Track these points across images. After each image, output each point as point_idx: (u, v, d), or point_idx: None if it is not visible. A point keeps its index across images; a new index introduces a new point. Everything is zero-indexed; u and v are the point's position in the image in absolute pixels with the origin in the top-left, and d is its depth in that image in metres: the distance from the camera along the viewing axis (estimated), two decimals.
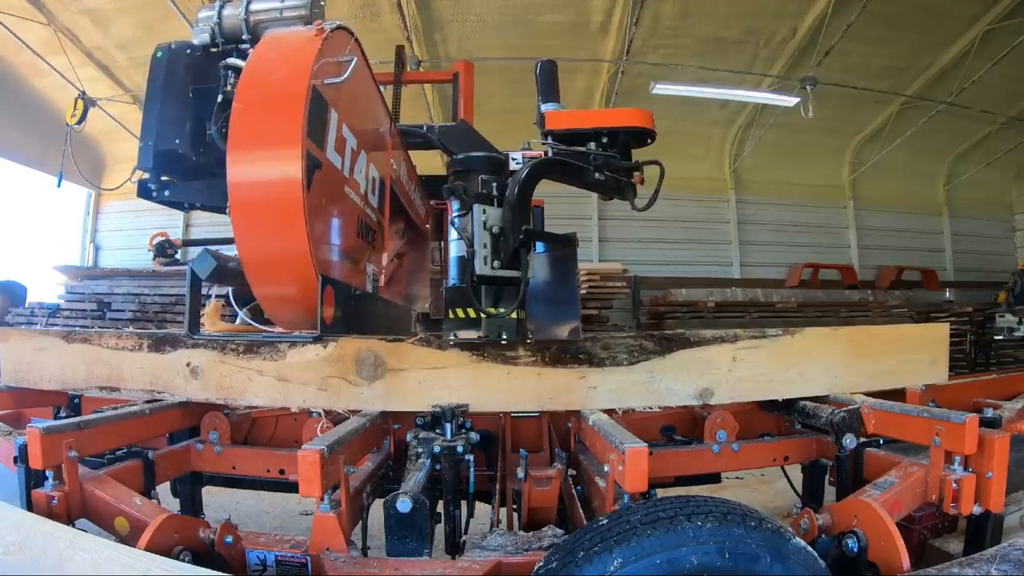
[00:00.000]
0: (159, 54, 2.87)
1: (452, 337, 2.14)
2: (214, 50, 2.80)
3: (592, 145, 2.54)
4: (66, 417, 2.47)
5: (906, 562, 1.62)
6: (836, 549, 1.76)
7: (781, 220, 13.97)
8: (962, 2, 9.82)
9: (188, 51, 2.82)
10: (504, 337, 2.12)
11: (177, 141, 2.73)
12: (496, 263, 2.18)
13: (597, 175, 2.46)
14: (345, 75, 1.96)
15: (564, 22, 10.00)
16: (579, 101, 11.18)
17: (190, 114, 2.76)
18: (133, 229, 13.95)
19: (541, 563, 1.43)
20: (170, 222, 13.75)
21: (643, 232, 13.09)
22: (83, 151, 12.36)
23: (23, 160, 12.14)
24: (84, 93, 10.82)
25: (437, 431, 2.03)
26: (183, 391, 2.29)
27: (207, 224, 14.13)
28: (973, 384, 3.11)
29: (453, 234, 2.27)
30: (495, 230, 2.17)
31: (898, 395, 2.50)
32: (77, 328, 5.16)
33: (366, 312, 2.62)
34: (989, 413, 1.98)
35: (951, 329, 2.78)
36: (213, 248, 2.14)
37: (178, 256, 9.42)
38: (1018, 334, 10.39)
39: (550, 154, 2.51)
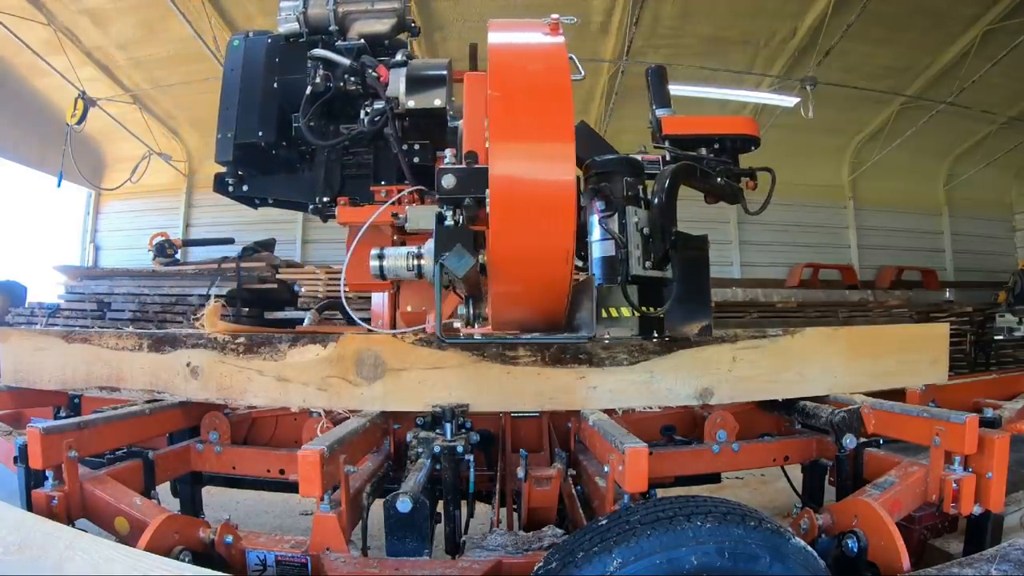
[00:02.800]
0: (236, 43, 2.82)
1: (606, 337, 2.13)
2: (297, 40, 2.77)
3: (703, 150, 2.56)
4: (66, 417, 2.47)
5: (906, 562, 1.62)
6: (836, 549, 1.76)
7: (781, 220, 13.96)
8: (962, 2, 9.82)
9: (268, 40, 2.79)
10: (656, 335, 2.13)
11: (260, 134, 2.68)
12: (647, 263, 2.20)
13: (719, 180, 2.49)
14: (582, 74, 1.86)
15: (564, 22, 10.00)
16: (580, 101, 11.17)
17: (273, 106, 2.72)
18: (133, 229, 13.97)
19: (541, 563, 1.43)
20: (169, 222, 13.78)
21: None
22: (83, 151, 12.37)
23: (23, 160, 12.16)
24: (84, 93, 10.84)
25: (437, 431, 2.02)
26: (183, 391, 2.29)
27: (207, 224, 14.16)
28: (973, 384, 3.11)
29: (597, 234, 2.26)
30: (645, 231, 2.19)
31: (898, 395, 2.50)
32: (77, 328, 5.16)
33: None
34: (989, 413, 1.98)
35: (951, 329, 2.78)
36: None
37: (178, 256, 9.46)
38: (1018, 334, 10.37)
39: (668, 158, 2.53)
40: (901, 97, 11.98)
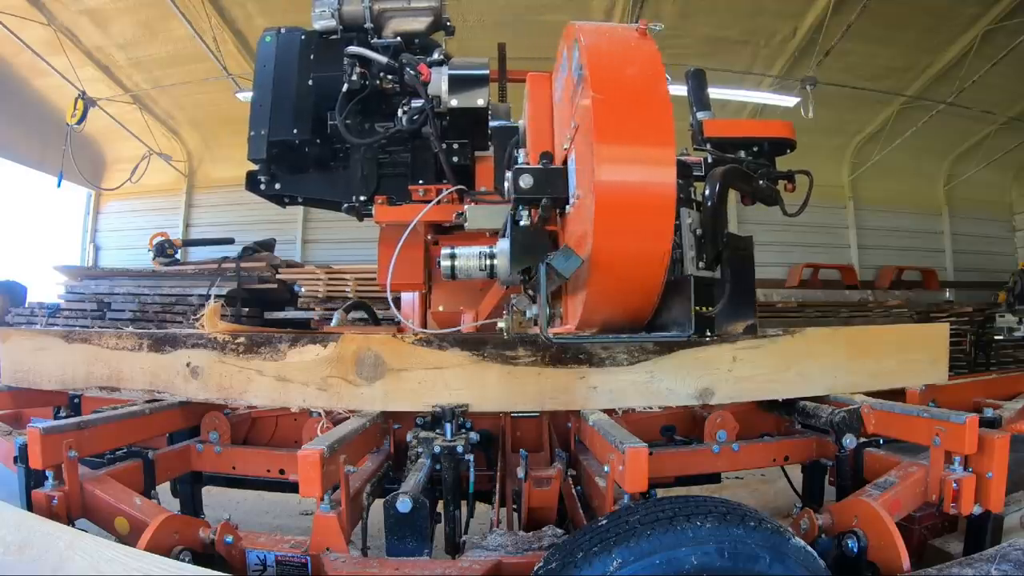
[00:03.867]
0: (267, 38, 2.81)
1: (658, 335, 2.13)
2: (331, 37, 2.75)
3: (742, 153, 2.57)
4: (66, 417, 2.47)
5: (906, 562, 1.62)
6: (836, 549, 1.76)
7: (781, 220, 13.87)
8: (962, 2, 9.82)
9: (302, 37, 2.77)
10: (709, 335, 2.14)
11: (295, 131, 2.65)
12: (700, 264, 2.22)
13: (761, 183, 2.50)
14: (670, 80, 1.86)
15: (564, 22, 9.94)
16: None
17: (308, 103, 2.69)
18: (133, 229, 13.98)
19: (541, 563, 1.44)
20: (169, 222, 13.79)
21: None
22: (83, 151, 12.37)
23: (23, 160, 12.16)
24: (84, 93, 10.84)
25: (437, 431, 2.02)
26: (183, 391, 2.29)
27: (207, 224, 14.17)
28: (973, 384, 3.10)
29: None
30: (697, 232, 2.20)
31: (898, 395, 2.50)
32: (77, 328, 5.16)
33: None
34: (989, 413, 1.98)
35: (951, 329, 2.78)
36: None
37: (178, 256, 9.45)
38: (1018, 334, 10.36)
39: (709, 160, 2.54)
40: (901, 97, 11.97)
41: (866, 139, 13.65)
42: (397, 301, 2.78)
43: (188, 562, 1.59)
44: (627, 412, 2.36)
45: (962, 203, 15.04)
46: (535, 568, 1.43)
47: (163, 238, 9.26)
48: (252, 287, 7.18)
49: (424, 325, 2.79)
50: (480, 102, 2.65)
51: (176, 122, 13.40)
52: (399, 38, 2.76)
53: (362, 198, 2.82)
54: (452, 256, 1.85)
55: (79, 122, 10.92)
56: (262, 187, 2.83)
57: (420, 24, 2.84)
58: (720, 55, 10.63)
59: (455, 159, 2.74)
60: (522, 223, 1.63)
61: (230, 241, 9.04)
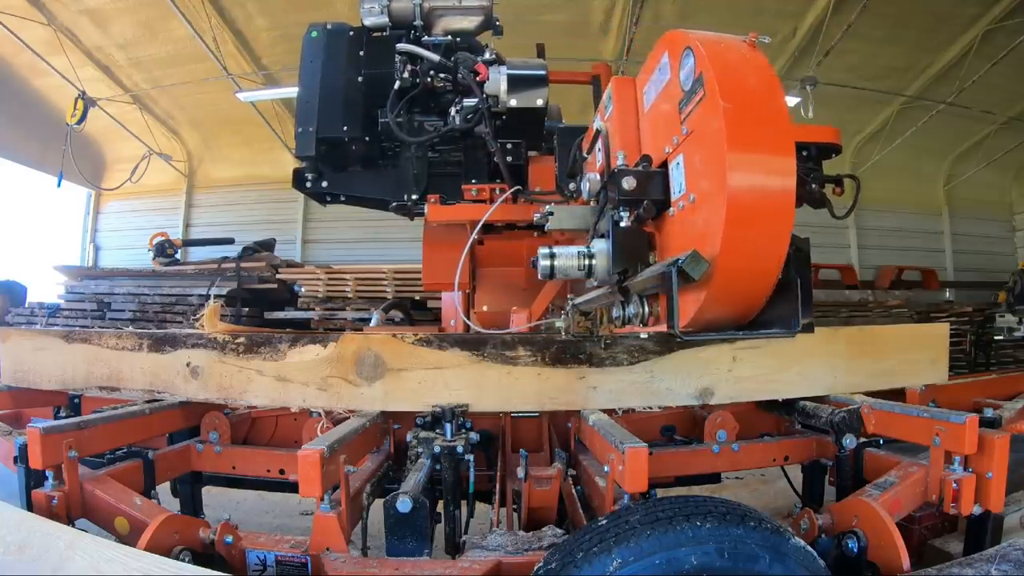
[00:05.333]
0: (313, 34, 2.78)
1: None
2: (380, 34, 2.74)
3: None
4: (66, 417, 2.47)
5: (906, 562, 1.62)
6: (836, 549, 1.77)
7: None
8: (962, 2, 9.82)
9: (351, 33, 2.76)
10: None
11: (344, 128, 2.63)
12: None
13: (813, 186, 2.51)
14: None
15: (564, 22, 10.01)
16: (580, 101, 11.17)
17: (358, 100, 2.67)
18: (133, 229, 13.98)
19: (541, 563, 1.44)
20: (169, 222, 13.80)
21: None
22: (83, 151, 12.37)
23: (23, 160, 12.16)
24: (84, 93, 10.85)
25: (437, 431, 2.03)
26: (183, 391, 2.29)
27: (207, 224, 14.17)
28: (973, 384, 3.11)
29: None
30: None
31: (898, 395, 2.50)
32: (77, 328, 5.16)
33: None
34: (989, 413, 1.98)
35: (951, 329, 2.78)
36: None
37: (178, 256, 9.45)
38: (1018, 334, 10.36)
39: None
40: (901, 97, 11.97)
41: (866, 139, 13.65)
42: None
43: (188, 562, 1.59)
44: (627, 412, 2.36)
45: (962, 203, 15.04)
46: (535, 568, 1.43)
47: (163, 238, 9.25)
48: (252, 287, 7.18)
49: (466, 325, 2.79)
50: (539, 102, 2.63)
51: (176, 122, 13.40)
52: (450, 37, 2.75)
53: (414, 197, 2.80)
54: (552, 256, 1.83)
55: (79, 122, 10.92)
56: (308, 185, 2.80)
57: (470, 23, 2.84)
58: None
59: (508, 159, 2.73)
60: (623, 225, 1.64)
61: (230, 241, 9.04)
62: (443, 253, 2.73)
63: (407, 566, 1.58)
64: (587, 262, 1.77)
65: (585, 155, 2.12)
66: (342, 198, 2.94)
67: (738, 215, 1.32)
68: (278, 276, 7.67)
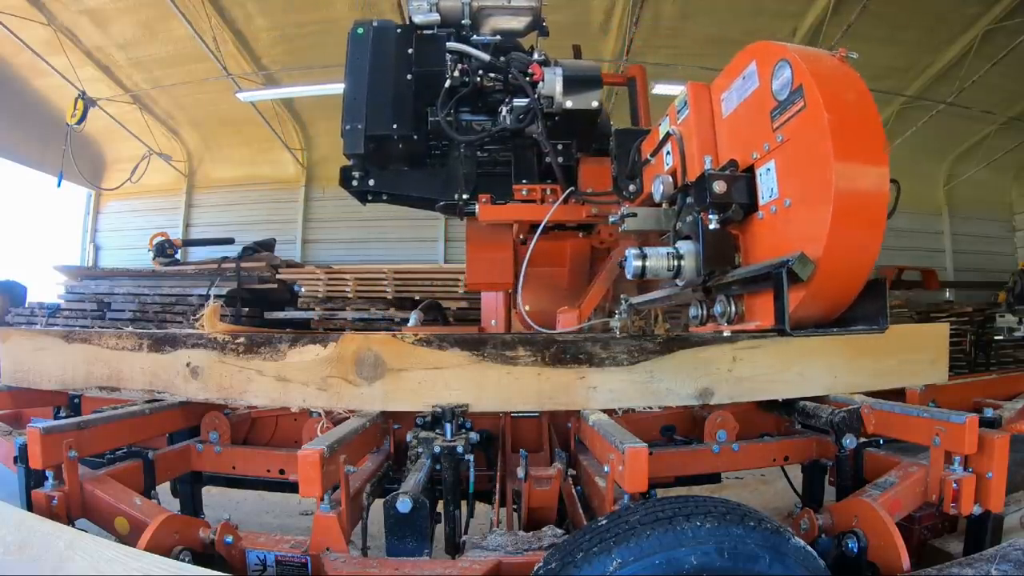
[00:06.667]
0: (360, 31, 2.75)
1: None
2: (428, 32, 2.73)
3: None
4: (66, 417, 2.47)
5: (906, 562, 1.62)
6: (836, 549, 1.77)
7: None
8: (962, 2, 9.82)
9: (399, 30, 2.74)
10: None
11: (394, 126, 2.61)
12: None
13: None
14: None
15: (564, 22, 9.99)
16: None
17: (407, 97, 2.65)
18: (133, 229, 13.99)
19: (540, 563, 1.43)
20: (169, 222, 13.80)
21: None
22: (83, 151, 12.38)
23: (23, 160, 12.17)
24: (84, 93, 10.85)
25: (437, 431, 2.03)
26: (183, 391, 2.29)
27: (207, 224, 14.17)
28: (973, 384, 3.10)
29: None
30: None
31: (898, 395, 2.50)
32: (77, 328, 5.16)
33: None
34: (989, 413, 1.98)
35: (951, 329, 2.78)
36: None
37: (178, 256, 9.45)
38: (1018, 334, 10.37)
39: None
40: (901, 97, 11.97)
41: None
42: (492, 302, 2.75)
43: (188, 562, 1.59)
44: (627, 412, 2.36)
45: (962, 203, 15.05)
46: (535, 568, 1.43)
47: (163, 238, 9.26)
48: (252, 287, 7.19)
49: (508, 325, 2.77)
50: (595, 104, 2.62)
51: (176, 122, 13.40)
52: (498, 36, 2.75)
53: (465, 196, 2.79)
54: (643, 256, 1.82)
55: (79, 122, 10.93)
56: (354, 183, 2.77)
57: (519, 24, 2.83)
58: (720, 55, 10.60)
59: (560, 159, 2.73)
60: (712, 227, 1.65)
61: (230, 241, 9.05)
62: (488, 253, 2.72)
63: (407, 566, 1.58)
64: (676, 263, 1.78)
65: (648, 158, 2.11)
66: (384, 197, 2.90)
67: (841, 220, 1.40)
68: (278, 276, 7.68)
